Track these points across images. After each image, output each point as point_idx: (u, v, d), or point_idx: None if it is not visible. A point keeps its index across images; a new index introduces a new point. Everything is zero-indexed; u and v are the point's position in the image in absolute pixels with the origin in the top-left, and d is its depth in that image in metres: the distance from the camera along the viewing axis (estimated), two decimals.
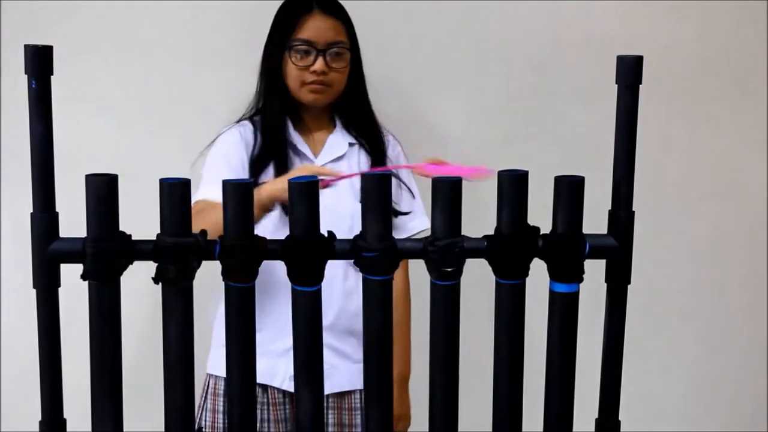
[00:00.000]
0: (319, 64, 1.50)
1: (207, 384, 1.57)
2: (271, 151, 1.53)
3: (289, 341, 1.65)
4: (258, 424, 1.52)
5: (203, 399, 1.57)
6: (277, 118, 1.56)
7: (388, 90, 1.77)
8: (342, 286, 1.54)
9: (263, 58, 1.58)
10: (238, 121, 1.60)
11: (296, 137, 1.56)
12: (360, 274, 1.52)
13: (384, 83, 1.70)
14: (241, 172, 1.51)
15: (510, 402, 0.93)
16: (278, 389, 1.54)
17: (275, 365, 1.52)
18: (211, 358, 1.58)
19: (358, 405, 1.58)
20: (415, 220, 1.62)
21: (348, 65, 1.55)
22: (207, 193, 1.44)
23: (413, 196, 1.64)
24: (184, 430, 0.90)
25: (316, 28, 1.51)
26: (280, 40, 1.54)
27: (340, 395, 1.57)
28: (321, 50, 1.50)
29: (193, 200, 1.42)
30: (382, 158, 1.60)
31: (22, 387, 1.85)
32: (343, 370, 1.56)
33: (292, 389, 1.52)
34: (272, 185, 1.34)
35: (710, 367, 2.21)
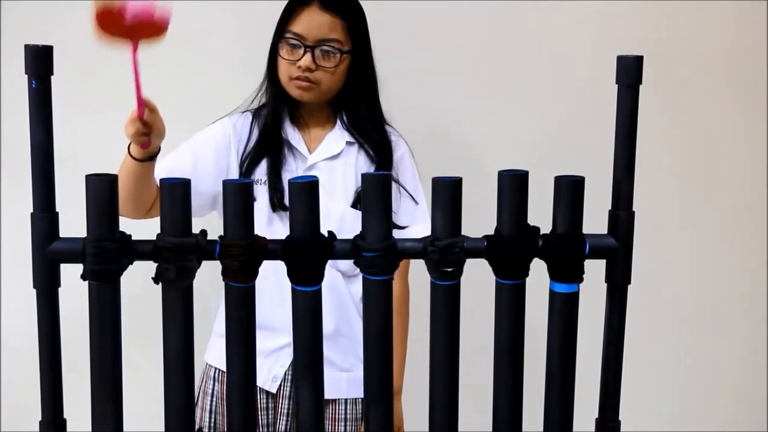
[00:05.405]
0: (305, 60, 1.44)
1: (204, 373, 1.57)
2: (264, 144, 1.50)
3: (277, 341, 1.62)
4: None
5: (197, 393, 1.56)
6: (271, 111, 1.52)
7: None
8: (328, 289, 1.48)
9: (269, 48, 1.53)
10: (244, 111, 1.57)
11: (292, 132, 1.53)
12: (347, 276, 1.52)
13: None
14: (201, 170, 1.48)
15: (510, 402, 0.93)
16: (260, 389, 1.51)
17: (261, 364, 1.51)
18: (209, 348, 1.58)
19: (342, 416, 1.53)
20: (410, 228, 1.54)
21: (340, 65, 1.47)
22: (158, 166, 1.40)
23: (416, 202, 1.56)
24: (184, 430, 0.90)
25: (308, 22, 1.44)
26: (277, 30, 1.49)
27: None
28: (309, 46, 1.44)
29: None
30: (387, 164, 1.53)
31: (22, 387, 1.85)
32: (325, 377, 1.54)
33: (274, 390, 1.52)
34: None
35: (710, 367, 2.21)
